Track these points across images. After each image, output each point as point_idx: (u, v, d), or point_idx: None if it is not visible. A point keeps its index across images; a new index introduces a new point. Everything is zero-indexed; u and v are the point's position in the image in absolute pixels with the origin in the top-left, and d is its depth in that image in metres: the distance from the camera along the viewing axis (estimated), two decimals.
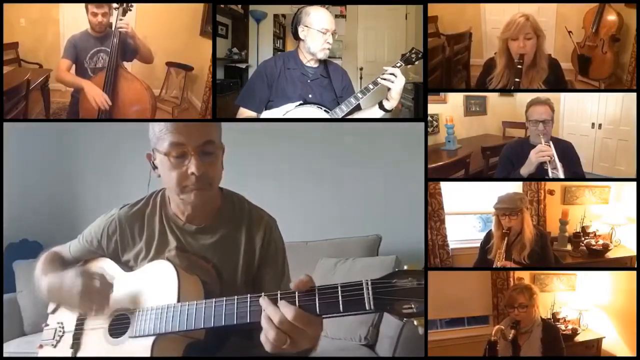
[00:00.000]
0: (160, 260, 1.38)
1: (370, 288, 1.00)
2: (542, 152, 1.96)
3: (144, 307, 1.29)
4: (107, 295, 1.34)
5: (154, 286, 1.32)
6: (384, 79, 1.87)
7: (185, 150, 1.30)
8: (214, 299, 1.19)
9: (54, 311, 1.50)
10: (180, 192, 1.34)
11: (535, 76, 2.11)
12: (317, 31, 1.92)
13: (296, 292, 1.03)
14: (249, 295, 1.13)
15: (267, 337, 1.02)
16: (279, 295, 1.05)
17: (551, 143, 1.98)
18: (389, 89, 1.89)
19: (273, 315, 1.02)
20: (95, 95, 2.16)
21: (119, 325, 1.33)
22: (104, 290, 1.34)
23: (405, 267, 1.00)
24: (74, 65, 2.31)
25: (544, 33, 2.10)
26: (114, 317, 1.35)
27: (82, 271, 1.38)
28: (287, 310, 1.01)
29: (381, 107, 1.92)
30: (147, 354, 1.23)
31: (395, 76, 1.86)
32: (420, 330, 0.98)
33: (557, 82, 2.17)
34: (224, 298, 1.17)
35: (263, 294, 1.07)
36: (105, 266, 1.46)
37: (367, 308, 0.99)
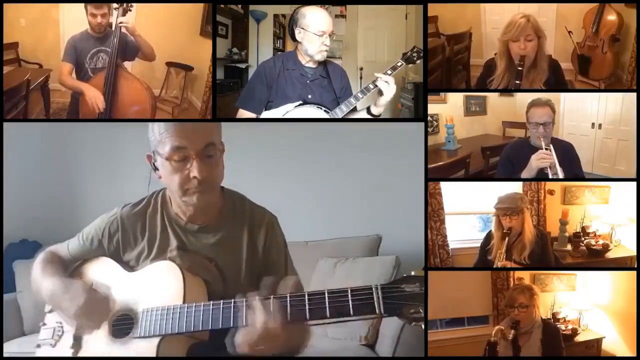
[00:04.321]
0: (165, 261, 1.37)
1: (380, 292, 1.04)
2: (543, 159, 1.95)
3: (149, 308, 1.29)
4: (105, 318, 1.36)
5: (159, 287, 1.32)
6: (381, 80, 1.87)
7: (187, 154, 1.29)
8: (221, 301, 1.19)
9: (51, 310, 1.48)
10: (182, 194, 1.33)
11: (536, 77, 2.09)
12: (313, 34, 1.89)
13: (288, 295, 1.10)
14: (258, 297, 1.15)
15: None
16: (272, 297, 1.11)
17: (552, 148, 1.96)
18: (380, 95, 1.89)
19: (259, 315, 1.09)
20: (93, 97, 2.17)
21: (122, 326, 1.33)
22: (104, 312, 1.36)
23: (413, 273, 1.04)
24: (74, 68, 2.31)
25: (544, 34, 2.08)
26: (117, 317, 1.35)
27: (90, 288, 1.39)
28: (260, 315, 1.09)
29: (369, 112, 1.94)
30: (153, 354, 1.24)
31: (388, 84, 1.86)
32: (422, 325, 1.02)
33: (557, 84, 2.15)
34: (232, 300, 1.17)
35: (256, 294, 1.13)
36: (107, 269, 1.45)
37: (377, 312, 1.04)
